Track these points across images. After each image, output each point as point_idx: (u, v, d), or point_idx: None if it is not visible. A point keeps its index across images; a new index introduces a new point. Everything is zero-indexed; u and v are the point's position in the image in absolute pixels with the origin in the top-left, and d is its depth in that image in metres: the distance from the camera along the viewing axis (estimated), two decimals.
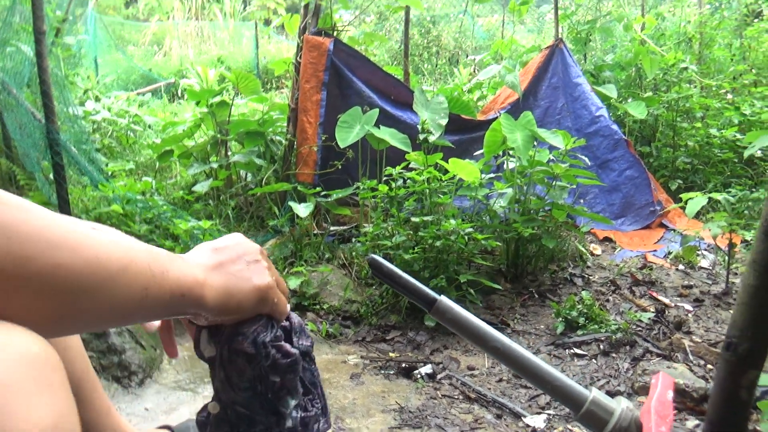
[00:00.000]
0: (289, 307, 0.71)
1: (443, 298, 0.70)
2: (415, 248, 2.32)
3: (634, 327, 2.30)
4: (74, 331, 0.59)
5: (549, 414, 1.82)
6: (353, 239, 3.01)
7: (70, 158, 2.73)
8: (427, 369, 2.08)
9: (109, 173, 3.45)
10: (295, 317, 0.73)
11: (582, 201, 3.60)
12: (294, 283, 2.51)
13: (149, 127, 5.45)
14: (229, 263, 0.64)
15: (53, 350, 0.44)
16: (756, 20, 6.17)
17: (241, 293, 0.64)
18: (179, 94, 9.69)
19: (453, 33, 10.20)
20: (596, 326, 2.29)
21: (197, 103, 3.72)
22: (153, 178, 3.69)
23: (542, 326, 2.47)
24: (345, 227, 3.23)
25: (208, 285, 0.61)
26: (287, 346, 0.67)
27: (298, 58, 3.31)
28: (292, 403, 0.67)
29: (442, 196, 2.49)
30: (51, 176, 2.67)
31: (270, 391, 0.66)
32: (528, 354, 0.67)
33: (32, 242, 0.44)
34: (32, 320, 0.45)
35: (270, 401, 0.67)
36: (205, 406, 0.70)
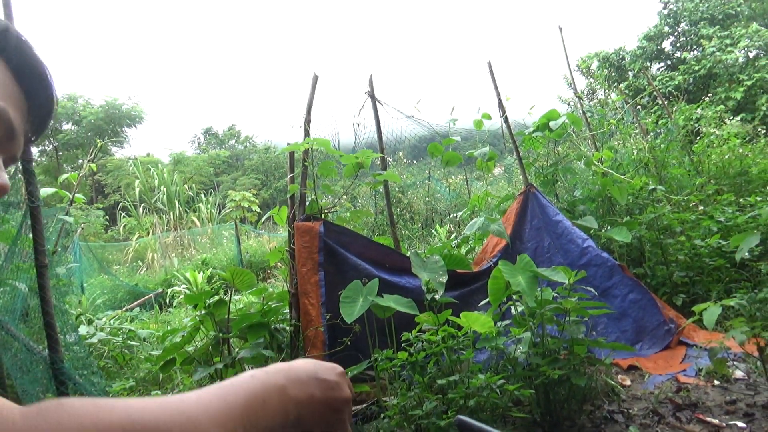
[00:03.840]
0: None
1: None
2: (448, 412, 2.19)
3: None
4: None
5: None
6: (376, 416, 2.84)
7: (75, 387, 2.62)
8: None
9: (111, 395, 3.31)
10: None
11: (594, 333, 3.53)
12: None
13: (144, 340, 5.37)
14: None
15: None
16: (697, 138, 6.73)
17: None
18: (167, 303, 9.73)
19: (422, 198, 10.78)
20: None
21: (194, 307, 3.71)
22: (159, 390, 3.54)
23: None
24: (364, 405, 3.07)
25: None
26: None
27: (291, 245, 3.41)
28: None
29: (465, 352, 2.42)
30: None
31: None
32: None
33: None
34: None
35: None
36: None
